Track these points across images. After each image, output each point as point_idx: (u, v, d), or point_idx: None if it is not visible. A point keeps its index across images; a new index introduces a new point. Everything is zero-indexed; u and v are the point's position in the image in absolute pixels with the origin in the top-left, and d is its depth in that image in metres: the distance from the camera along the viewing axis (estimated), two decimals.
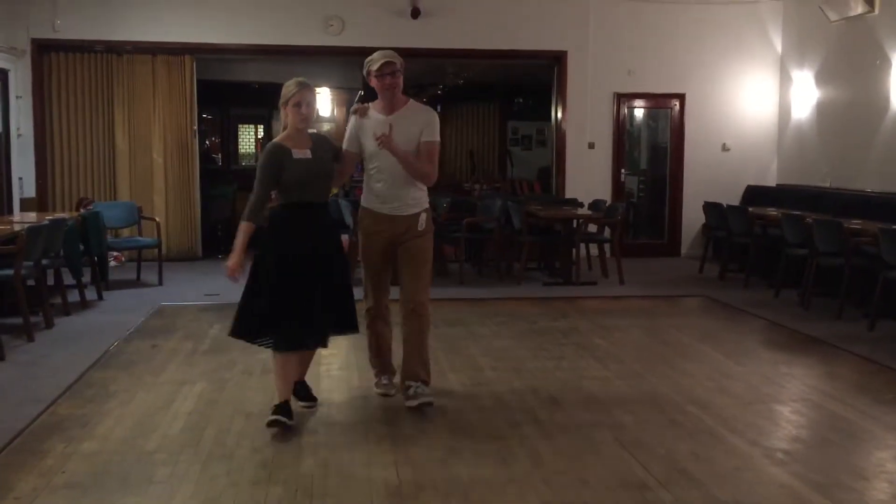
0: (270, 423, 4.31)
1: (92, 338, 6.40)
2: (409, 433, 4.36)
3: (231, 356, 5.87)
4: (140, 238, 9.38)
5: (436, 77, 14.71)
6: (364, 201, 4.87)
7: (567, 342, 6.48)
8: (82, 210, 8.59)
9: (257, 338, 4.47)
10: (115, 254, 9.66)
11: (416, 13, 10.44)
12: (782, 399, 5.08)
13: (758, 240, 9.12)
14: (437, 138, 4.75)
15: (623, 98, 11.20)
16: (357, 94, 13.63)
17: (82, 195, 10.01)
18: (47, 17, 10.00)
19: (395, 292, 4.89)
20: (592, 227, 9.81)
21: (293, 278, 4.35)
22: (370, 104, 4.84)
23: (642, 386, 5.30)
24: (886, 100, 8.99)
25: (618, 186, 11.27)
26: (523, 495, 3.61)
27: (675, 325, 7.25)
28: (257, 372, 5.49)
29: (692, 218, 11.12)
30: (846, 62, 9.81)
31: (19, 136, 9.92)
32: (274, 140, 4.54)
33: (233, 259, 4.34)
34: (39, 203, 10.09)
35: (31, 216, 8.20)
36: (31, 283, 6.73)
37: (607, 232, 9.78)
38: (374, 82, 4.71)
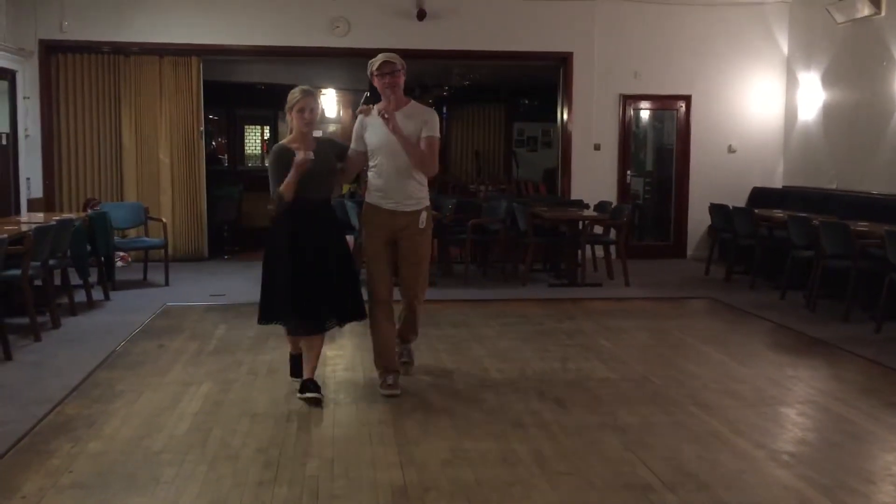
0: (308, 400, 4.82)
1: (98, 338, 6.42)
2: (414, 434, 4.36)
3: (237, 357, 5.89)
4: (146, 238, 9.40)
5: (441, 78, 14.73)
6: (367, 197, 5.12)
7: (572, 344, 6.48)
8: (89, 210, 8.63)
9: (275, 321, 4.92)
10: (121, 254, 9.68)
11: (421, 15, 10.45)
12: (788, 401, 5.07)
13: (764, 241, 9.10)
14: (437, 134, 5.03)
15: (629, 99, 11.20)
16: (363, 95, 13.67)
17: (89, 196, 10.05)
18: (55, 19, 10.04)
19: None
20: (598, 229, 9.80)
21: (297, 268, 4.71)
22: (374, 105, 5.10)
23: (647, 388, 5.30)
24: (893, 101, 8.97)
25: (623, 188, 11.26)
26: (528, 496, 3.61)
27: (681, 326, 7.25)
28: (263, 373, 5.50)
29: (698, 220, 11.11)
30: (853, 64, 9.79)
31: (27, 136, 9.96)
32: (280, 142, 4.96)
33: (292, 174, 4.65)
34: (47, 203, 10.13)
35: (39, 216, 8.23)
36: (38, 283, 6.76)
37: (613, 233, 9.78)
38: (375, 81, 5.01)
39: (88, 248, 7.85)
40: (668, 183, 11.59)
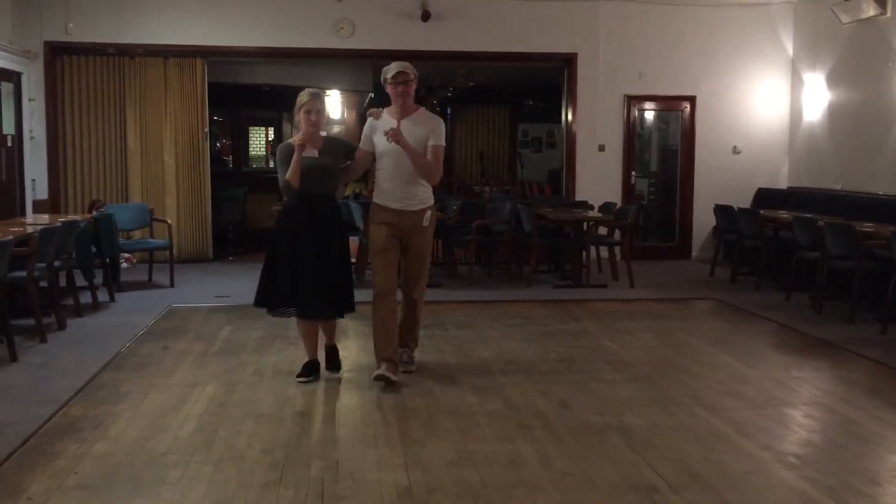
0: (300, 379, 5.22)
1: (104, 339, 6.44)
2: (419, 436, 4.36)
3: (242, 358, 5.90)
4: (151, 240, 9.41)
5: (446, 79, 14.75)
6: (374, 197, 5.43)
7: (577, 345, 6.47)
8: (94, 212, 8.64)
9: (275, 309, 5.26)
10: (126, 255, 9.70)
11: (426, 16, 10.44)
12: (794, 403, 5.06)
13: (769, 242, 9.09)
14: (443, 143, 5.32)
15: (633, 100, 11.18)
16: (367, 97, 13.69)
17: (94, 197, 10.06)
18: (60, 21, 10.05)
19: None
20: (603, 230, 9.79)
21: (299, 257, 5.08)
22: (384, 109, 5.40)
23: (652, 389, 5.29)
24: None
25: (628, 189, 11.24)
26: (533, 498, 3.61)
27: (686, 328, 7.24)
28: (268, 374, 5.51)
29: (703, 220, 11.09)
30: (858, 64, 9.77)
31: (32, 138, 9.98)
32: (287, 140, 5.42)
33: (294, 158, 5.04)
34: (52, 205, 10.14)
35: (44, 218, 8.24)
36: (43, 284, 6.77)
37: (617, 234, 9.76)
38: (388, 89, 5.29)
39: (94, 249, 7.87)
40: (672, 184, 11.57)
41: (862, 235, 7.35)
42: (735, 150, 11.30)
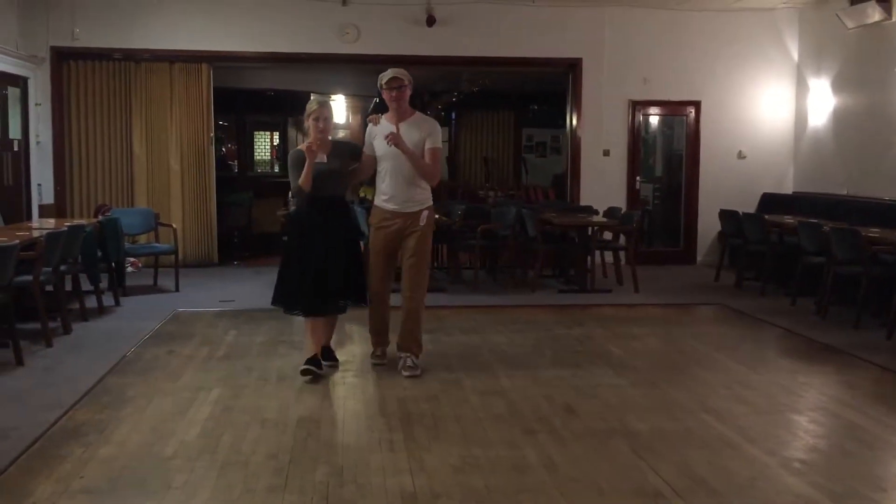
0: (304, 372, 5.39)
1: (109, 343, 6.45)
2: (424, 441, 4.36)
3: (247, 362, 5.91)
4: (157, 244, 9.43)
5: (451, 84, 14.73)
6: (375, 199, 5.71)
7: (582, 350, 6.47)
8: (100, 216, 8.66)
9: (290, 309, 5.57)
10: (132, 260, 9.70)
11: (431, 21, 10.46)
12: (799, 408, 5.05)
13: (774, 248, 9.07)
14: (440, 145, 5.62)
15: (638, 105, 11.19)
16: (372, 102, 13.70)
17: (100, 202, 10.09)
18: (66, 26, 10.10)
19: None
20: (607, 235, 9.79)
21: (311, 257, 5.35)
22: (383, 115, 5.67)
23: (657, 394, 5.28)
24: None
25: (633, 194, 11.24)
26: (538, 503, 3.61)
27: (691, 333, 7.23)
28: (273, 379, 5.51)
29: (708, 225, 11.08)
30: (863, 69, 9.76)
31: (38, 143, 10.03)
32: (298, 147, 5.69)
33: (308, 163, 5.30)
34: (58, 209, 10.17)
35: (50, 222, 8.28)
36: (49, 289, 6.78)
37: (622, 239, 9.76)
38: (384, 93, 5.54)
39: (99, 253, 7.88)
40: (677, 189, 11.57)
41: (867, 240, 7.33)
42: (740, 155, 11.29)
